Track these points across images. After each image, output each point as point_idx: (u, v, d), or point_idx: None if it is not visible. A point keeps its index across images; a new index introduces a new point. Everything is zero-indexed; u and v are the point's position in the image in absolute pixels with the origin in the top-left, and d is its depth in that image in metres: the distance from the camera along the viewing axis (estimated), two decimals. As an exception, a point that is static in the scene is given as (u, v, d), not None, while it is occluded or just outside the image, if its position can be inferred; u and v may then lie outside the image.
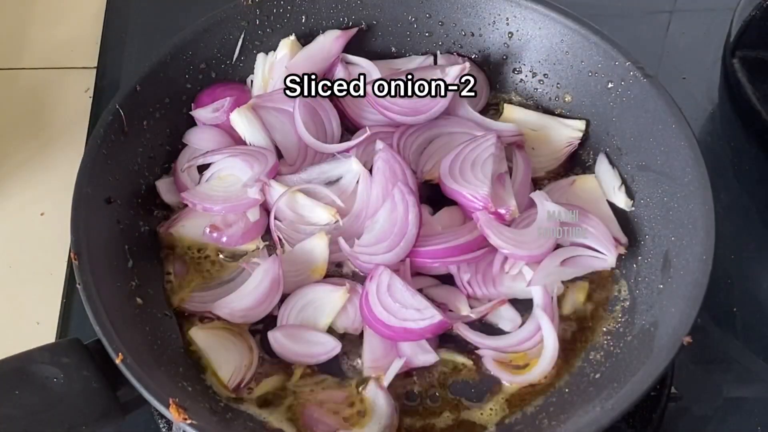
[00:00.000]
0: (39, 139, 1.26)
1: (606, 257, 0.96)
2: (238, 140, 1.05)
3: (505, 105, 1.10)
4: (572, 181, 1.04)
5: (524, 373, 0.92)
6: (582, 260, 0.97)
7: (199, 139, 1.06)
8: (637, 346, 0.89)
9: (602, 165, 1.04)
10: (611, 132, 1.04)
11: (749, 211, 1.16)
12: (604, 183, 1.03)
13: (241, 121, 1.03)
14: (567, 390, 0.91)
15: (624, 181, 1.02)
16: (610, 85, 1.03)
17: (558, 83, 1.09)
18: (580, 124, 1.06)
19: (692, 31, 1.33)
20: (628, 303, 0.95)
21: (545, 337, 0.92)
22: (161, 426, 0.97)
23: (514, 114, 1.09)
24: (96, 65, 1.33)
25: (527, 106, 1.11)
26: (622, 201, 1.01)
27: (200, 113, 1.06)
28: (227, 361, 0.92)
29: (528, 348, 0.93)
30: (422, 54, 1.13)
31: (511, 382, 0.91)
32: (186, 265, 1.00)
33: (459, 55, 1.12)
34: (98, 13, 1.39)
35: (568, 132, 1.06)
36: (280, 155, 1.05)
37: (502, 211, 0.95)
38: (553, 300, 0.94)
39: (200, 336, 0.93)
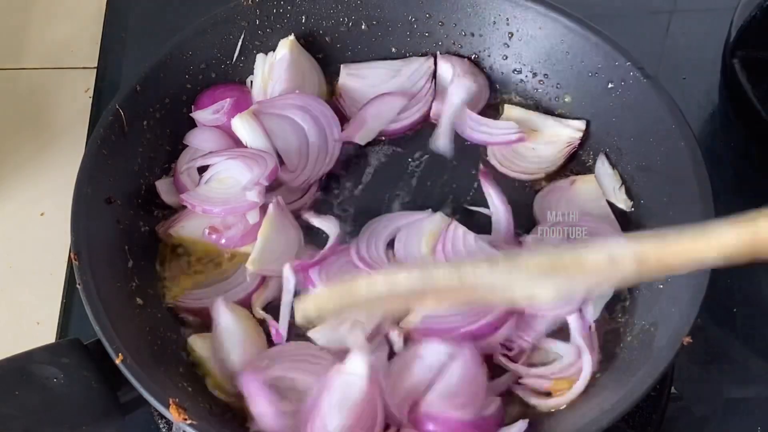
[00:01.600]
0: (39, 139, 1.26)
1: None
2: (239, 141, 1.05)
3: (506, 105, 1.10)
4: (572, 182, 1.04)
5: (558, 396, 0.89)
6: None
7: (200, 140, 1.06)
8: (637, 346, 0.89)
9: (602, 166, 1.04)
10: (611, 132, 1.04)
11: (749, 211, 1.16)
12: (604, 184, 1.03)
13: (243, 127, 1.03)
14: (567, 390, 0.91)
15: (624, 182, 1.02)
16: (610, 86, 1.03)
17: (558, 83, 1.09)
18: (581, 124, 1.06)
19: (692, 31, 1.33)
20: (628, 303, 0.95)
21: (584, 364, 0.89)
22: (161, 426, 0.97)
23: (514, 114, 1.09)
24: (96, 65, 1.33)
25: (527, 106, 1.11)
26: (622, 201, 1.01)
27: (201, 115, 1.06)
28: None
29: (571, 374, 0.90)
30: (422, 54, 1.13)
31: (543, 406, 0.89)
32: (183, 265, 1.00)
33: (459, 55, 1.12)
34: (98, 13, 1.39)
35: (568, 132, 1.06)
36: (281, 162, 1.04)
37: None
38: (591, 327, 0.92)
39: (199, 343, 0.92)
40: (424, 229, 0.98)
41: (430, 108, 1.10)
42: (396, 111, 1.08)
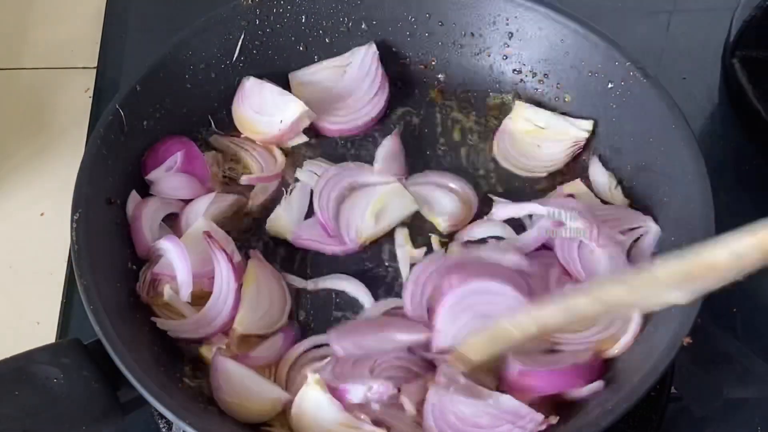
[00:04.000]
0: (39, 139, 1.26)
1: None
2: (204, 182, 1.02)
3: (516, 102, 1.09)
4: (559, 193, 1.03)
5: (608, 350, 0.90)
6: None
7: (170, 188, 1.00)
8: (637, 346, 0.89)
9: (595, 167, 1.04)
10: (611, 132, 1.04)
11: (749, 211, 1.16)
12: (600, 183, 1.03)
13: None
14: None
15: (621, 181, 1.02)
16: (610, 86, 1.03)
17: (558, 83, 1.09)
18: (587, 125, 1.06)
19: (692, 31, 1.33)
20: (628, 303, 0.95)
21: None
22: (161, 426, 0.97)
23: (524, 111, 1.08)
24: (96, 65, 1.33)
25: (529, 106, 1.11)
26: (619, 200, 1.01)
27: (159, 188, 1.00)
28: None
29: (612, 334, 0.90)
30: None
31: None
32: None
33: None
34: (98, 13, 1.39)
35: (574, 132, 1.06)
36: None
37: None
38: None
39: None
40: (373, 196, 0.99)
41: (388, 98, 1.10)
42: None
